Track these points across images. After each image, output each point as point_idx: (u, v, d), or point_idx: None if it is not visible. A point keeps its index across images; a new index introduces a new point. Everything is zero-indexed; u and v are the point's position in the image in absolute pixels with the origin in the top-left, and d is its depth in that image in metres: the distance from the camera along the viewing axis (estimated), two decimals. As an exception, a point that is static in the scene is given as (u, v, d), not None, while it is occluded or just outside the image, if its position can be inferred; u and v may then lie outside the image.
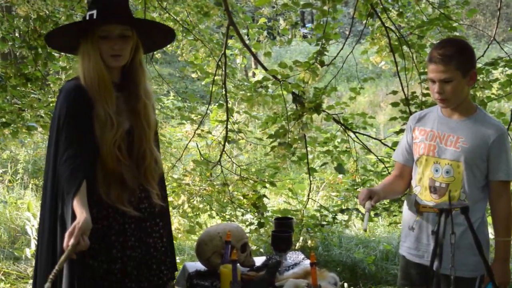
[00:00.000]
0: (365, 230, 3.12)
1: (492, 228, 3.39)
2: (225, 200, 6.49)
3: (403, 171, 3.59)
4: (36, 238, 3.00)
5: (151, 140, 3.13)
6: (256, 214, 6.39)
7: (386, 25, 6.09)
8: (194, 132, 6.78)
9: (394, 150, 5.92)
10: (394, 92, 6.00)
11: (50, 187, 2.92)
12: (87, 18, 3.00)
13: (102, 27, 2.98)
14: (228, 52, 6.83)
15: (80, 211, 2.71)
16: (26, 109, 6.48)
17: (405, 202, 3.60)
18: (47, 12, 6.30)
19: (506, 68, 5.67)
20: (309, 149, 6.01)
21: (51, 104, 6.34)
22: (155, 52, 8.40)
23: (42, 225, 2.99)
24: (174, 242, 6.62)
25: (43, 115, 6.54)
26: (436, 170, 3.34)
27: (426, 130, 3.43)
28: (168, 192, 6.35)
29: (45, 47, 6.08)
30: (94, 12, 2.98)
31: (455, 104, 3.32)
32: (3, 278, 6.06)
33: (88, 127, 2.92)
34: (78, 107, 2.93)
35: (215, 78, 6.46)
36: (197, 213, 6.30)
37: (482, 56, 5.84)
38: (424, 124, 3.47)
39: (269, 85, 5.52)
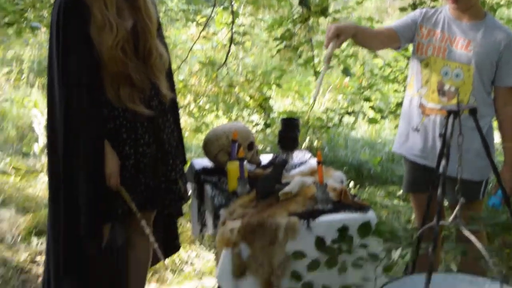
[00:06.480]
0: (314, 100, 2.93)
1: (499, 134, 3.38)
2: (231, 101, 6.48)
3: (389, 35, 3.42)
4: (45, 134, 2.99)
5: (155, 35, 3.07)
6: (263, 115, 6.40)
7: None
8: (199, 34, 6.69)
9: (402, 55, 5.91)
10: (402, -4, 5.90)
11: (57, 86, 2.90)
12: None
13: None
14: (235, -48, 6.67)
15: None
16: (29, 9, 6.39)
17: (404, 102, 3.55)
18: None
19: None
20: (315, 52, 5.96)
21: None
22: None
23: (51, 122, 3.00)
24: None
25: (46, 15, 6.45)
26: (446, 73, 3.28)
27: (436, 31, 3.34)
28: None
29: None
30: None
31: (467, 6, 3.24)
32: (13, 172, 6.16)
33: (86, 47, 2.86)
34: (74, 27, 2.84)
35: (221, -21, 6.34)
36: (204, 113, 6.30)
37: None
38: (432, 24, 3.37)
39: (276, -13, 5.43)
